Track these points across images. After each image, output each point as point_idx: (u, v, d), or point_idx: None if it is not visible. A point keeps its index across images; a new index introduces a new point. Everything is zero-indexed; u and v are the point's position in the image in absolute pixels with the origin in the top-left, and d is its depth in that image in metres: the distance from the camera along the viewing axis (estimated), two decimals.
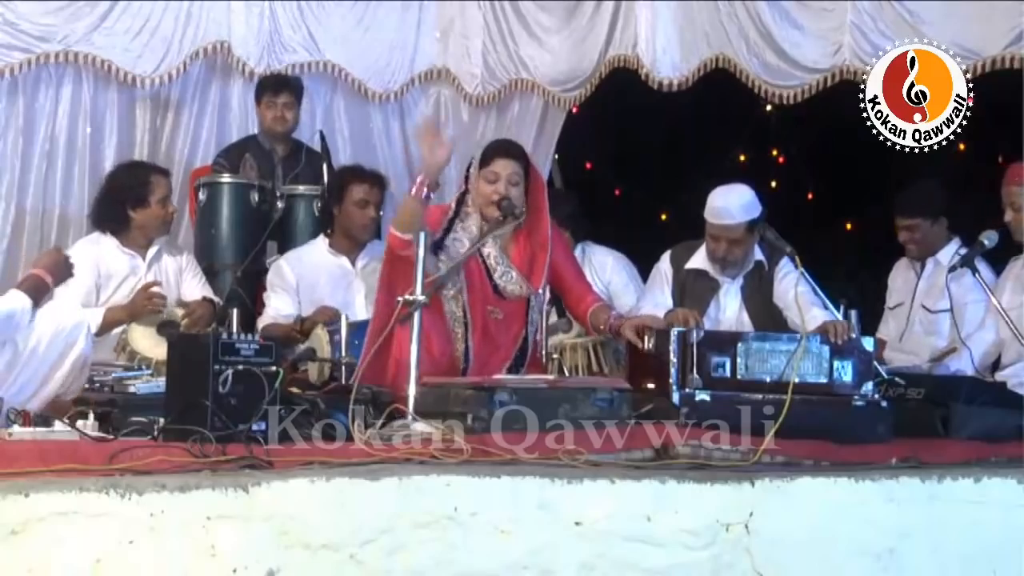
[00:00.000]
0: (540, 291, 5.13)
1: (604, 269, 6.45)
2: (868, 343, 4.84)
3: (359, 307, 6.08)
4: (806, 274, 5.37)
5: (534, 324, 5.16)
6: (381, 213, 6.37)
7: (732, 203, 5.55)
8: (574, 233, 6.33)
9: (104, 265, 6.05)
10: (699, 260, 5.70)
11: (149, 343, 5.78)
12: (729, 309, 5.65)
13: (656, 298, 5.71)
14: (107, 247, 6.09)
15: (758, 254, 5.65)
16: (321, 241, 6.40)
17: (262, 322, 6.20)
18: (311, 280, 6.28)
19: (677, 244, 5.85)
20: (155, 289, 5.95)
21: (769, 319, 5.52)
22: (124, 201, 6.10)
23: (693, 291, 5.67)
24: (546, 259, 5.10)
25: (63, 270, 4.80)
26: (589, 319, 5.20)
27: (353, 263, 6.33)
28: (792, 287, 5.37)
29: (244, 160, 6.92)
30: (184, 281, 6.22)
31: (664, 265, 5.79)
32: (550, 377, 4.88)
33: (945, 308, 6.01)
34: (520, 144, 5.41)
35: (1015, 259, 5.78)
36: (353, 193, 6.28)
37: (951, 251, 6.06)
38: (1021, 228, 5.58)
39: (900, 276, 6.33)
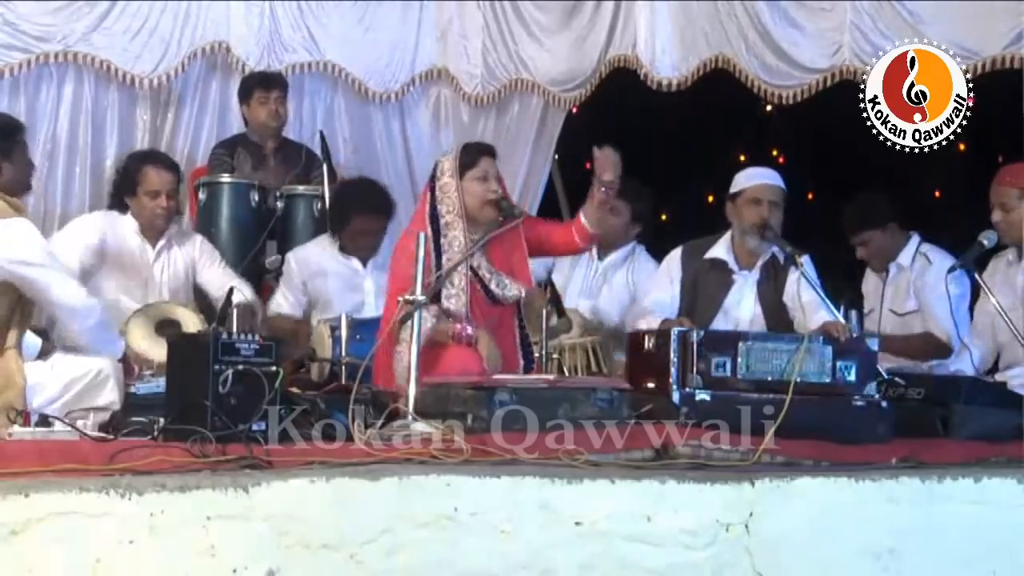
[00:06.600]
0: (533, 286, 5.15)
1: (642, 271, 6.37)
2: (872, 343, 4.84)
3: (368, 308, 6.09)
4: (806, 274, 5.38)
5: (524, 321, 5.19)
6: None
7: (767, 170, 5.78)
8: (644, 230, 6.46)
9: (114, 240, 6.09)
10: (718, 250, 5.68)
11: (148, 343, 5.77)
12: (744, 303, 5.63)
13: (662, 290, 5.69)
14: (126, 227, 6.13)
15: (774, 248, 5.61)
16: (329, 243, 6.37)
17: (268, 310, 6.30)
18: (319, 282, 6.31)
19: (690, 240, 5.81)
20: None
21: (780, 316, 5.51)
22: (120, 187, 6.18)
23: (707, 283, 5.65)
24: (523, 255, 5.10)
25: (137, 367, 5.06)
26: (575, 231, 5.22)
27: (364, 263, 6.32)
28: (800, 288, 5.37)
29: (237, 153, 6.94)
30: (201, 270, 6.23)
31: (673, 260, 5.75)
32: (550, 377, 4.88)
33: (913, 309, 6.04)
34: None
35: (997, 257, 5.77)
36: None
37: (911, 251, 6.12)
38: (1010, 229, 5.58)
39: (871, 282, 6.37)
